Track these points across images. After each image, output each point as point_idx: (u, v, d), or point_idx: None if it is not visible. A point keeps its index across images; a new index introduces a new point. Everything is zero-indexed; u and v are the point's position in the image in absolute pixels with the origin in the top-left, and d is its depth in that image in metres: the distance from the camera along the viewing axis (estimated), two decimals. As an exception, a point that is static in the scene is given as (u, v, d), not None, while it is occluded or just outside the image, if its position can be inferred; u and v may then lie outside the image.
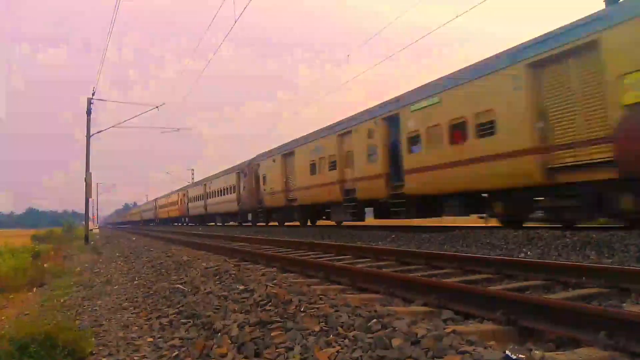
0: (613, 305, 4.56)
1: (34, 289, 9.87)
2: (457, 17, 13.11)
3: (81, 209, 29.21)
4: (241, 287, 5.74)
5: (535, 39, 11.45)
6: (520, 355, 2.60)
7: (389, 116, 16.54)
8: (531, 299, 4.09)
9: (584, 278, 5.51)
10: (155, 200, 73.49)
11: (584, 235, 9.17)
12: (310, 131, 23.49)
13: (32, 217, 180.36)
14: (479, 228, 13.18)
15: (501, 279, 6.29)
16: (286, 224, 27.04)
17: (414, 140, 15.31)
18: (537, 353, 2.68)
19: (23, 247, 18.59)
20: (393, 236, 13.80)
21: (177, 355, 4.27)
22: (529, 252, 9.02)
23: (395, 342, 3.07)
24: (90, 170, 25.85)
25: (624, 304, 4.61)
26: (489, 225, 13.73)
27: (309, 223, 25.06)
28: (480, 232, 11.75)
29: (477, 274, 6.68)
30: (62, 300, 7.86)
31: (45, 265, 13.14)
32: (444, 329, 3.32)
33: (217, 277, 7.03)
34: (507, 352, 2.64)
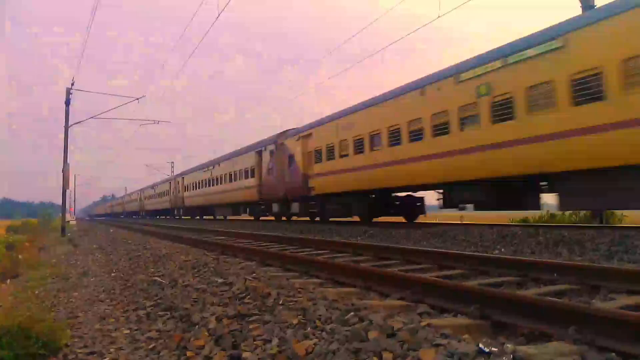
0: (583, 301, 4.69)
1: (8, 281, 9.70)
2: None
3: (58, 201, 28.68)
4: (220, 280, 5.74)
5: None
6: (492, 349, 2.66)
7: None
8: (504, 295, 4.18)
9: (555, 275, 5.65)
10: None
11: (557, 233, 9.38)
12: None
13: (7, 208, 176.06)
14: (456, 225, 13.38)
15: (476, 275, 6.40)
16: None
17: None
18: (509, 346, 2.74)
19: (-4, 238, 18.22)
20: (371, 232, 13.90)
21: (154, 347, 4.26)
22: (502, 249, 9.18)
23: (372, 334, 3.12)
24: (68, 162, 25.40)
25: (594, 300, 4.74)
26: (465, 222, 14.27)
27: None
28: (457, 229, 11.91)
29: (452, 270, 6.78)
30: (36, 292, 7.75)
31: (19, 256, 12.91)
32: (420, 322, 3.38)
33: (196, 270, 7.02)
34: (480, 345, 2.70)
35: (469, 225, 13.03)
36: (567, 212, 17.89)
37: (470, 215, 29.78)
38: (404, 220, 19.36)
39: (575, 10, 14.58)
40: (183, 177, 45.59)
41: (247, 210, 31.77)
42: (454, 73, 13.37)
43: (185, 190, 44.07)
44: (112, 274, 9.03)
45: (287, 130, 24.64)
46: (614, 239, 8.39)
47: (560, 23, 10.85)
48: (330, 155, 19.52)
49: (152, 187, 61.75)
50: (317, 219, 22.50)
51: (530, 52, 11.02)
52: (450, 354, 2.68)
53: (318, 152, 20.56)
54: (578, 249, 8.30)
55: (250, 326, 3.81)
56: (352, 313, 3.61)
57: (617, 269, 5.49)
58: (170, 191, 50.45)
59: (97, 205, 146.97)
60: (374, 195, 18.77)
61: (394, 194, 19.02)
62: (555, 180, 11.09)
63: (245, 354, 3.39)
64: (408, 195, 18.98)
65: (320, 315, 3.71)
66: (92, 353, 4.38)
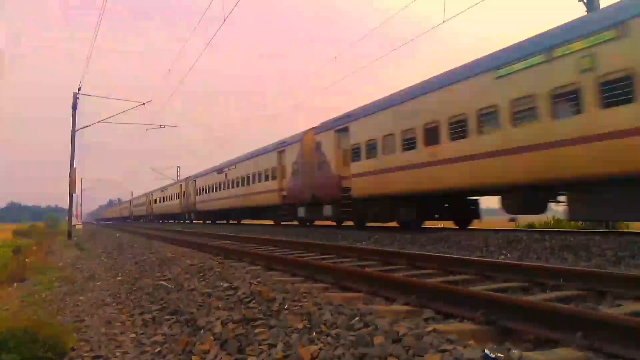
0: (589, 307, 4.66)
1: (15, 284, 9.74)
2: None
3: (65, 204, 28.86)
4: (225, 285, 5.75)
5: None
6: (498, 355, 2.66)
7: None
8: (510, 300, 4.17)
9: (561, 280, 5.62)
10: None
11: (563, 238, 9.33)
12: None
13: (14, 212, 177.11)
14: (461, 230, 13.35)
15: (481, 280, 6.38)
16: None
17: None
18: (515, 352, 2.74)
19: (4, 242, 18.32)
20: (376, 237, 13.88)
21: (159, 351, 4.27)
22: (508, 255, 9.14)
23: (377, 340, 3.12)
24: (75, 166, 25.53)
25: (600, 306, 4.71)
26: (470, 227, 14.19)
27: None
28: (462, 234, 11.88)
29: (457, 275, 6.76)
30: (43, 296, 7.78)
31: (26, 260, 12.97)
32: (425, 327, 3.38)
33: (201, 274, 7.04)
34: (486, 351, 2.70)
35: (474, 231, 12.98)
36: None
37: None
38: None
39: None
40: (195, 180, 43.25)
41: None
42: None
43: (197, 194, 41.97)
44: (118, 278, 9.06)
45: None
46: (621, 244, 8.35)
47: None
48: None
49: (162, 189, 60.01)
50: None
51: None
52: (455, 359, 2.68)
53: None
54: (584, 255, 8.26)
55: (256, 331, 3.82)
56: (357, 318, 3.62)
57: (624, 275, 5.45)
58: (180, 194, 48.94)
59: (104, 208, 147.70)
60: None
61: None
62: None
63: (250, 359, 3.40)
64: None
65: (325, 320, 3.71)
66: (98, 357, 4.40)
